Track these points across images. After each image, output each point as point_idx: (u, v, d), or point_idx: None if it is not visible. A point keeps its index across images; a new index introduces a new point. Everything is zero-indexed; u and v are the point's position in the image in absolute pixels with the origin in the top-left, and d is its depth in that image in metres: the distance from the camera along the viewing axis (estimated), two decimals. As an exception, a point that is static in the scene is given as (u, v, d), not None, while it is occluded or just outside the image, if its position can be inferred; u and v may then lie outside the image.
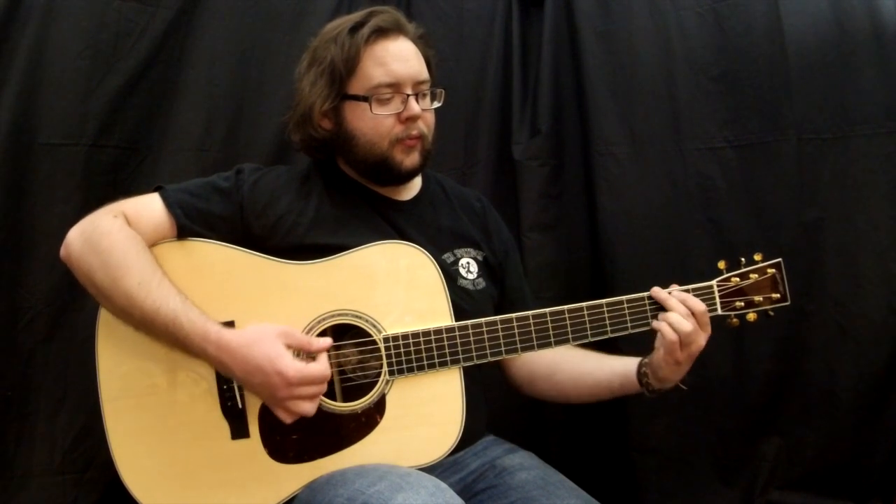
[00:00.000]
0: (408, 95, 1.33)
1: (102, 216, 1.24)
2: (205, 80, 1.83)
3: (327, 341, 1.20)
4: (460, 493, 1.19)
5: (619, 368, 1.35)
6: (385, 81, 1.32)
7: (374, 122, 1.33)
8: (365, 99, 1.32)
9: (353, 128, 1.35)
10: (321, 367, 1.17)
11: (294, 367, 1.14)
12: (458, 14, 1.99)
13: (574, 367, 1.40)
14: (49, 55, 1.69)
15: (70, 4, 1.70)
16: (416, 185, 1.46)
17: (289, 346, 1.16)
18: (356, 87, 1.33)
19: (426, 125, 1.37)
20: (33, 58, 1.67)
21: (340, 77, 1.33)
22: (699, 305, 1.26)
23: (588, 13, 1.92)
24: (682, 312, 1.25)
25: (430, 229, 1.40)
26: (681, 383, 1.32)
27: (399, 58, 1.33)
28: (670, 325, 1.24)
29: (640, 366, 1.32)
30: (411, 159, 1.36)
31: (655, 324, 1.27)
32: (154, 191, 1.31)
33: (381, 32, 1.33)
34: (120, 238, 1.20)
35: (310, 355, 1.19)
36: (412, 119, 1.33)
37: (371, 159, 1.35)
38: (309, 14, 1.88)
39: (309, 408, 1.17)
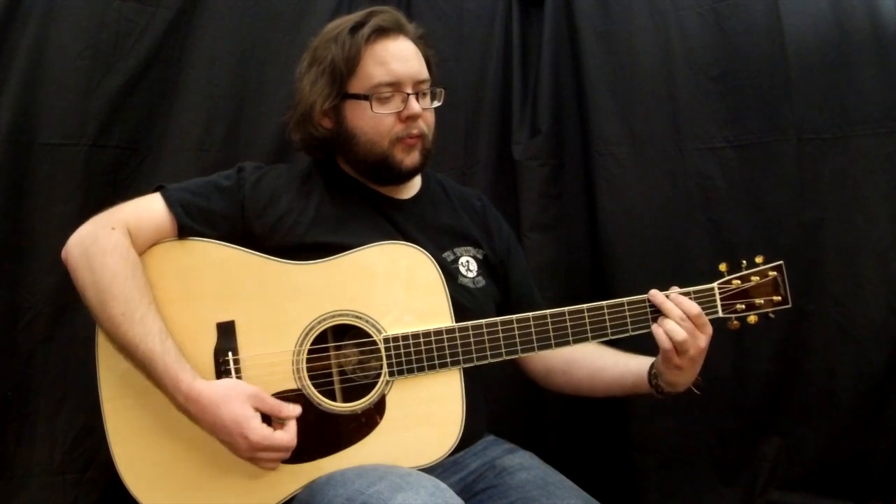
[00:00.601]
0: (408, 94, 1.33)
1: (102, 227, 1.23)
2: (205, 80, 1.83)
3: (296, 409, 1.19)
4: (460, 493, 1.19)
5: (634, 368, 1.34)
6: (385, 80, 1.32)
7: (374, 121, 1.33)
8: (365, 98, 1.32)
9: (354, 126, 1.35)
10: (287, 437, 1.16)
11: (260, 433, 1.13)
12: (458, 14, 1.99)
13: (590, 363, 1.40)
14: (49, 55, 1.69)
15: (70, 4, 1.70)
16: (417, 184, 1.46)
17: (258, 410, 1.16)
18: (357, 86, 1.33)
19: (426, 124, 1.37)
20: (33, 58, 1.68)
21: (341, 76, 1.33)
22: (693, 308, 1.25)
23: (588, 13, 1.93)
24: (676, 317, 1.24)
25: (431, 228, 1.40)
26: (694, 387, 1.31)
27: (399, 57, 1.33)
28: (665, 332, 1.24)
29: (652, 367, 1.31)
30: (411, 158, 1.36)
31: (653, 329, 1.26)
32: (155, 190, 1.31)
33: (382, 32, 1.34)
34: (112, 260, 1.19)
35: (278, 420, 1.18)
36: (412, 118, 1.33)
37: (371, 158, 1.35)
38: (309, 14, 1.88)
39: (271, 466, 1.18)
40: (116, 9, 1.73)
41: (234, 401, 1.15)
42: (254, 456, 1.15)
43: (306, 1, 1.89)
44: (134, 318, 1.16)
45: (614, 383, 1.37)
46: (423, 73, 1.36)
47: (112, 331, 1.18)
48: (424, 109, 1.35)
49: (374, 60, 1.33)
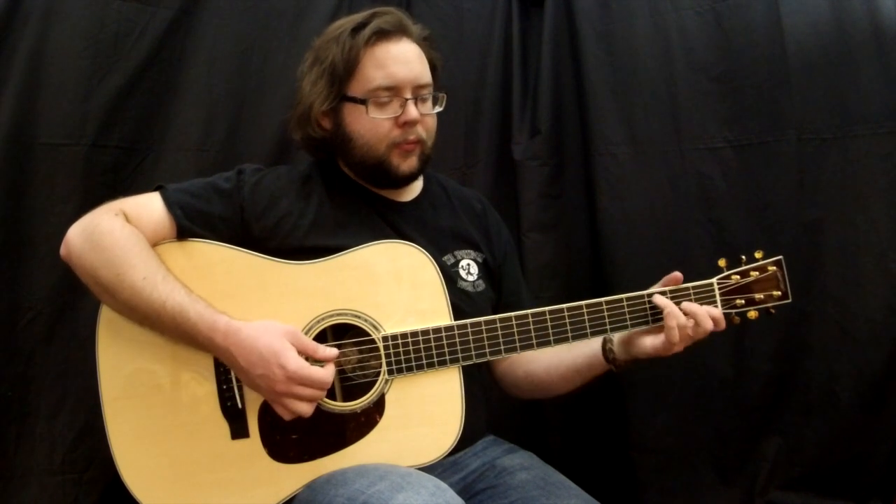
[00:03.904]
0: (406, 99, 1.32)
1: (102, 214, 1.23)
2: (205, 80, 1.83)
3: (334, 351, 1.19)
4: (460, 493, 1.19)
5: (585, 349, 1.36)
6: (383, 84, 1.31)
7: (371, 125, 1.33)
8: (363, 101, 1.32)
9: (352, 129, 1.35)
10: (324, 372, 1.16)
11: (297, 362, 1.13)
12: (458, 14, 1.99)
13: (546, 359, 1.41)
14: (49, 55, 1.69)
15: (70, 4, 1.70)
16: (418, 186, 1.46)
17: (293, 345, 1.16)
18: (355, 89, 1.33)
19: (425, 130, 1.36)
20: (33, 58, 1.67)
21: (340, 78, 1.33)
22: (715, 312, 1.28)
23: (588, 13, 1.93)
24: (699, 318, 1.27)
25: (431, 230, 1.40)
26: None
27: (399, 60, 1.33)
28: (678, 328, 1.26)
29: (605, 342, 1.33)
30: (409, 163, 1.35)
31: (666, 325, 1.26)
32: (154, 190, 1.31)
33: (383, 34, 1.33)
34: (122, 235, 1.20)
35: (316, 362, 1.18)
36: (410, 123, 1.32)
37: (368, 162, 1.35)
38: (309, 14, 1.88)
39: (305, 409, 1.16)
40: (116, 9, 1.73)
41: (272, 334, 1.15)
42: (290, 389, 1.14)
43: (306, 1, 1.89)
44: (157, 280, 1.17)
45: (570, 370, 1.38)
46: (424, 77, 1.35)
47: (134, 299, 1.17)
48: (424, 115, 1.34)
49: (373, 63, 1.32)
